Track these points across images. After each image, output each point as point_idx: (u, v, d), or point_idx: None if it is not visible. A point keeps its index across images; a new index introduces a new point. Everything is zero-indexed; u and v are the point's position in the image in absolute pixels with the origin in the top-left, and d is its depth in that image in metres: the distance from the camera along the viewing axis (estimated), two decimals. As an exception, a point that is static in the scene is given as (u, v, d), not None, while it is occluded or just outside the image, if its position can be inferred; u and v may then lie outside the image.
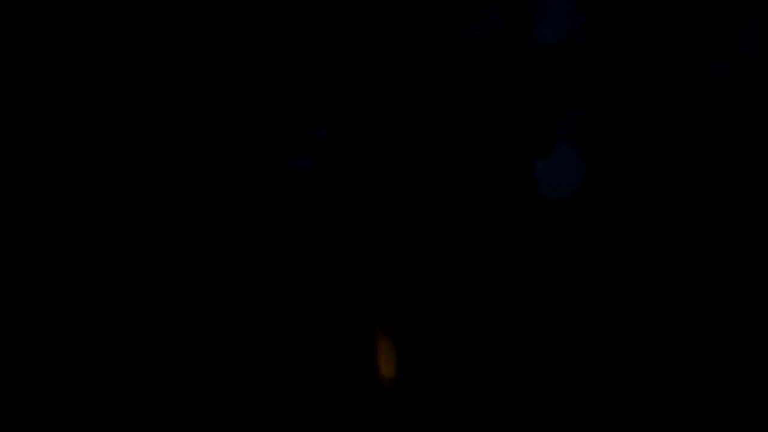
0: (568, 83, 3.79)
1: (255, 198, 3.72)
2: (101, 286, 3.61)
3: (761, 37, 3.75)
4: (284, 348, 3.55)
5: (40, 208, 3.68)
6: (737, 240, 3.63)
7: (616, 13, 3.80)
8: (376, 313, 3.56)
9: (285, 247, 3.66)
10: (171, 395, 3.49)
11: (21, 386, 3.42)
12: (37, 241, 3.64)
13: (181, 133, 3.76)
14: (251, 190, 3.73)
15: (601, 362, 3.54)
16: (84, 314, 3.55)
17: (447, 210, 3.71)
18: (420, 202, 3.72)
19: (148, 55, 3.80)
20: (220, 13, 3.82)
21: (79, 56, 3.79)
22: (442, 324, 3.57)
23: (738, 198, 3.68)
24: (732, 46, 3.76)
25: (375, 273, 3.62)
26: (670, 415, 3.46)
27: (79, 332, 3.53)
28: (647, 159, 3.72)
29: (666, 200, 3.68)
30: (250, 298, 3.60)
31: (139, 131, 3.75)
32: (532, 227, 3.69)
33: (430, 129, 3.76)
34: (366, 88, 3.80)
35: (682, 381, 3.51)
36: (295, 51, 3.83)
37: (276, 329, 3.57)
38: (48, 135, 3.76)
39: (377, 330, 3.54)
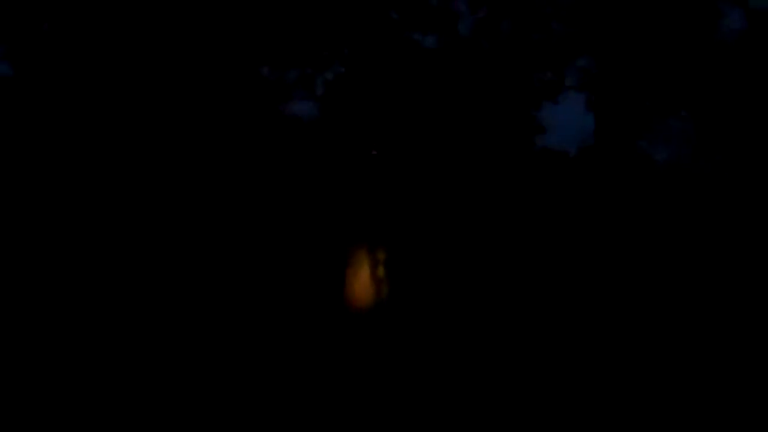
0: (575, 32, 3.78)
1: (252, 141, 3.68)
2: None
3: (772, -12, 3.73)
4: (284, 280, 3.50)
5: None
6: (747, 188, 3.60)
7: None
8: (374, 247, 3.53)
9: (280, 193, 3.63)
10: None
11: (21, 386, 3.38)
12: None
13: (180, 67, 3.73)
14: (248, 132, 3.69)
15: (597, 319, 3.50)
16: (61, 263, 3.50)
17: (453, 155, 3.68)
18: (426, 147, 3.69)
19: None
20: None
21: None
22: (438, 260, 3.54)
23: (747, 149, 3.66)
24: (742, -4, 3.75)
25: (378, 210, 3.59)
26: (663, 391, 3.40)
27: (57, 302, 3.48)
28: (654, 108, 3.70)
29: (674, 149, 3.66)
30: (247, 237, 3.57)
31: (139, 68, 3.72)
32: (537, 175, 3.66)
33: (439, 73, 3.74)
34: (373, 32, 3.78)
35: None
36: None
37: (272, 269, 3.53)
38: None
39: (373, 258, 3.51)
